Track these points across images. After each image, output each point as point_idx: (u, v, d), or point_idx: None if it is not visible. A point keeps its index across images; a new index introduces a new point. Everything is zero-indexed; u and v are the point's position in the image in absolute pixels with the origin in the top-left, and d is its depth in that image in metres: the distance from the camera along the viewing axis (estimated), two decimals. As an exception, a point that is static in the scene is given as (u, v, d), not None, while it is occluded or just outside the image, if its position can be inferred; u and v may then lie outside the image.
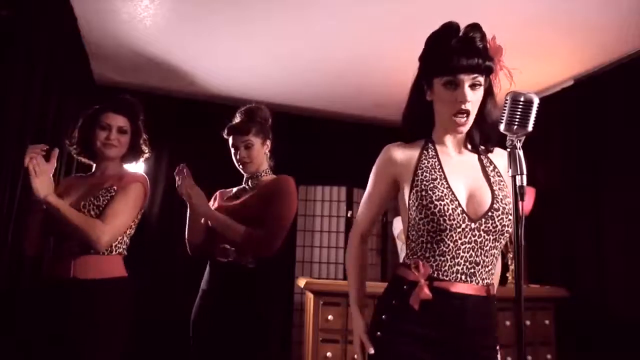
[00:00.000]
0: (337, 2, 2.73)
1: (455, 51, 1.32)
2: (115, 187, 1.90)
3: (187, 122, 4.18)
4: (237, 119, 2.15)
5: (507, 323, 3.01)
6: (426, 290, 1.29)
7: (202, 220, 2.09)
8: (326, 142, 4.45)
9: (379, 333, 1.35)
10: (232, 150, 2.14)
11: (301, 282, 3.25)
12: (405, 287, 1.33)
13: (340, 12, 2.83)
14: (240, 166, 2.13)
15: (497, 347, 1.40)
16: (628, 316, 2.93)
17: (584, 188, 3.31)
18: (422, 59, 1.43)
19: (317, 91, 4.06)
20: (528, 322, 3.10)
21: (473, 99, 1.33)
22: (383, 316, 1.36)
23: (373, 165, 1.51)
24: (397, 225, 3.81)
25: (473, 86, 1.33)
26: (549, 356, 3.11)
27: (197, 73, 3.75)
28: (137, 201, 1.93)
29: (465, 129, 1.37)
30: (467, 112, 1.34)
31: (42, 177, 1.69)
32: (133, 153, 2.06)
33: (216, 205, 2.18)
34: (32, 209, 1.85)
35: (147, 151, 2.10)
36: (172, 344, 3.73)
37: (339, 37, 3.13)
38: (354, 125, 4.66)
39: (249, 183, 2.16)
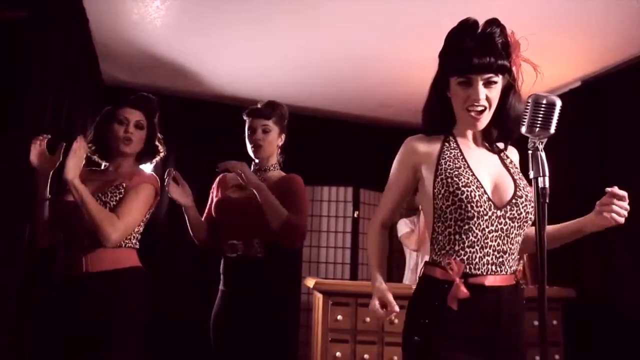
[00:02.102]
0: (343, 3, 2.75)
1: (469, 51, 1.33)
2: (124, 185, 1.90)
3: (194, 122, 4.19)
4: (259, 105, 2.16)
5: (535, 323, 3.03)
6: (463, 289, 1.27)
7: (211, 213, 2.11)
8: (333, 143, 4.46)
9: (416, 338, 1.32)
10: (248, 133, 2.13)
11: (310, 282, 3.26)
12: (441, 286, 1.30)
13: (347, 13, 2.85)
14: (253, 149, 2.12)
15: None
16: (635, 316, 2.94)
17: (589, 188, 3.30)
18: (441, 57, 1.44)
19: (323, 91, 4.08)
20: (536, 322, 3.11)
21: (489, 96, 1.35)
22: (423, 320, 1.32)
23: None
24: (402, 228, 3.80)
25: (487, 84, 1.34)
26: (557, 356, 3.12)
27: (204, 73, 3.77)
28: (147, 201, 1.94)
29: (481, 124, 1.38)
30: (483, 108, 1.35)
31: (77, 160, 1.73)
32: (148, 151, 2.06)
33: (219, 194, 2.16)
34: (39, 199, 1.86)
35: (162, 150, 2.11)
36: (183, 342, 3.75)
37: (346, 37, 3.14)
38: (360, 125, 4.67)
39: (257, 175, 2.13)
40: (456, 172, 1.34)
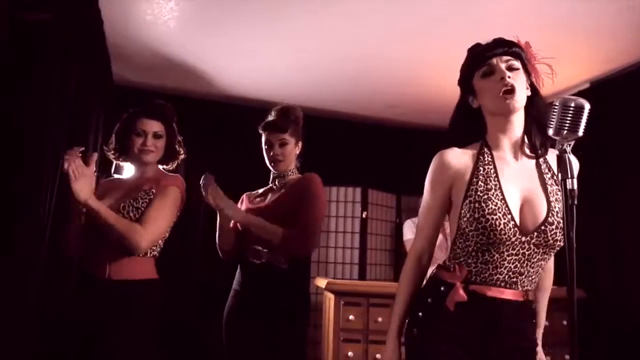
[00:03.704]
0: (353, 4, 2.76)
1: (483, 48, 1.40)
2: (153, 190, 1.93)
3: (203, 122, 4.20)
4: (272, 116, 2.14)
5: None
6: (461, 292, 1.30)
7: (237, 225, 2.12)
8: (341, 143, 4.47)
9: (415, 330, 1.37)
10: (265, 147, 2.14)
11: (320, 282, 3.28)
12: (442, 287, 1.34)
13: (356, 13, 2.86)
14: (272, 164, 2.13)
15: (537, 348, 1.42)
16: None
17: (600, 189, 3.34)
18: (460, 81, 1.47)
19: (332, 92, 4.09)
20: (547, 323, 3.13)
21: (515, 77, 1.33)
22: (419, 313, 1.37)
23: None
24: (406, 232, 3.73)
25: (510, 69, 1.35)
26: (567, 357, 3.14)
27: (214, 74, 3.78)
28: (175, 205, 1.96)
29: (516, 104, 1.33)
30: (512, 89, 1.32)
31: (82, 180, 1.70)
32: (169, 155, 2.09)
33: (244, 207, 2.18)
34: (72, 212, 1.88)
35: (182, 152, 2.13)
36: (188, 342, 3.76)
37: (354, 38, 3.16)
38: (368, 126, 4.69)
39: (276, 182, 2.16)
40: (485, 196, 1.30)
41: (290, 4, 2.79)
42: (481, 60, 1.38)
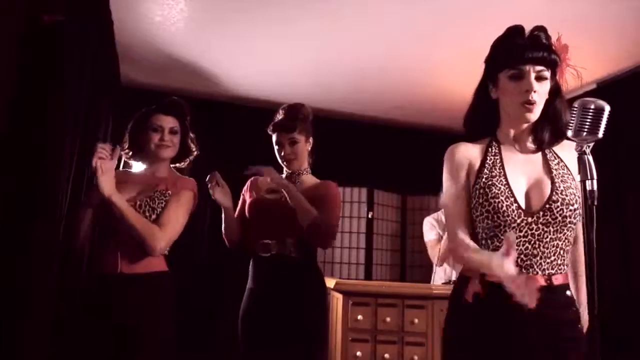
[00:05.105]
0: (360, 6, 2.78)
1: (520, 45, 1.36)
2: (169, 192, 1.94)
3: (210, 123, 4.20)
4: (280, 116, 2.15)
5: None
6: (476, 283, 1.34)
7: (243, 215, 2.14)
8: (347, 144, 4.48)
9: (448, 331, 1.41)
10: (276, 147, 2.16)
11: (329, 282, 3.28)
12: (463, 281, 1.40)
13: (363, 16, 2.89)
14: (285, 163, 2.16)
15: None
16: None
17: (607, 190, 3.34)
18: (488, 59, 1.46)
19: (338, 93, 4.11)
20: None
21: (539, 90, 1.35)
22: (452, 314, 1.42)
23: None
24: (427, 231, 3.54)
25: (539, 79, 1.35)
26: (574, 356, 3.15)
27: (224, 75, 3.80)
28: (188, 209, 1.99)
29: (533, 116, 1.37)
30: (535, 102, 1.34)
31: (107, 175, 1.74)
32: (182, 153, 2.10)
33: (253, 196, 2.18)
34: (85, 203, 1.91)
35: (195, 150, 2.14)
36: (199, 341, 3.77)
37: (361, 39, 3.18)
38: (374, 126, 4.70)
39: (291, 181, 2.17)
40: (490, 182, 1.37)
41: (298, 5, 2.81)
42: (514, 60, 1.35)
